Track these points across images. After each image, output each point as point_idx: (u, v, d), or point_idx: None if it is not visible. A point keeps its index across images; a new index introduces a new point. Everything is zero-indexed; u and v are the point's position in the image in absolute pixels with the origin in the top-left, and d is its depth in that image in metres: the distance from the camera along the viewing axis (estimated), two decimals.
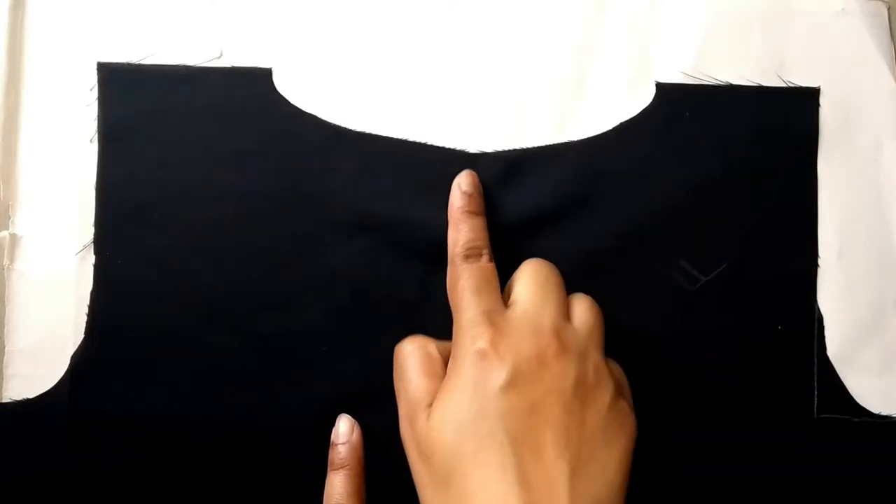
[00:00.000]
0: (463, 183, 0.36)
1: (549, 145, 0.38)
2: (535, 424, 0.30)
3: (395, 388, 0.34)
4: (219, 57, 0.38)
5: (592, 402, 0.31)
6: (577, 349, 0.32)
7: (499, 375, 0.30)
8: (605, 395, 0.31)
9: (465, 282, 0.33)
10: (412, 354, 0.33)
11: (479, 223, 0.35)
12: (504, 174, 0.38)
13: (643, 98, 0.38)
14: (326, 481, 0.35)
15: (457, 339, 0.32)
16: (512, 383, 0.30)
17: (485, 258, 0.34)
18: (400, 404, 0.33)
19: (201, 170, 0.38)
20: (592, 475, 0.30)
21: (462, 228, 0.35)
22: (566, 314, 0.33)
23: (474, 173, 0.36)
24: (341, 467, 0.35)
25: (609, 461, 0.30)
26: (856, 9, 0.38)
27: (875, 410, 0.37)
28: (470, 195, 0.35)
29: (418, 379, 0.33)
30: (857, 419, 0.37)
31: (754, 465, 0.37)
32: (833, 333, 0.37)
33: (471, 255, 0.34)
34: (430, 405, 0.32)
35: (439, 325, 0.37)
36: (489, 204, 0.37)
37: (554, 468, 0.29)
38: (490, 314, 0.32)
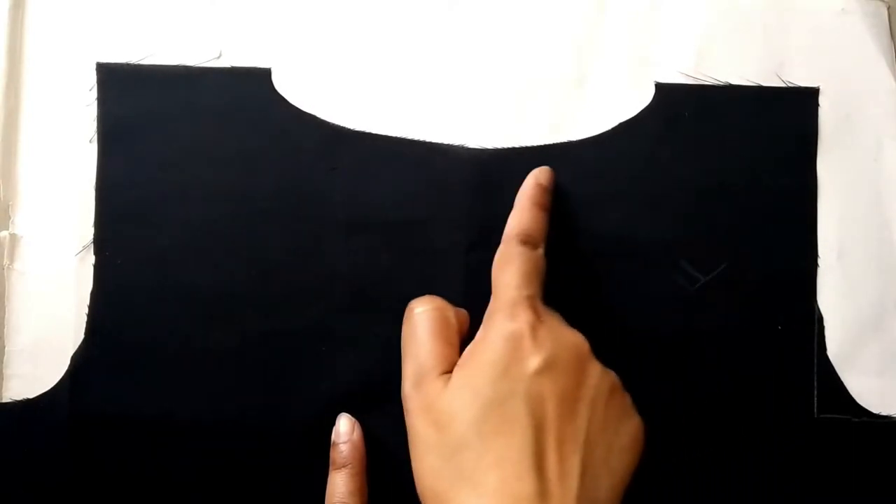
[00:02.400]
0: (541, 176, 0.36)
1: (549, 145, 0.38)
2: (559, 416, 0.30)
3: (403, 346, 0.33)
4: (218, 57, 0.38)
5: (615, 410, 0.31)
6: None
7: (534, 360, 0.30)
8: (628, 407, 0.32)
9: (517, 263, 0.33)
10: (428, 315, 0.33)
11: (543, 217, 0.35)
12: (504, 174, 0.38)
13: (643, 98, 0.38)
14: (328, 480, 0.35)
15: (492, 315, 0.32)
16: (546, 370, 0.30)
17: (541, 251, 0.34)
18: (406, 364, 0.33)
19: (201, 170, 0.38)
20: (601, 478, 0.30)
21: (526, 216, 0.34)
22: None
23: (552, 172, 0.36)
24: (343, 466, 0.35)
25: (618, 469, 0.31)
26: (856, 9, 0.38)
27: (875, 410, 0.37)
28: (544, 189, 0.35)
29: (432, 342, 0.32)
30: (857, 419, 0.37)
31: (754, 465, 0.37)
32: (833, 333, 0.37)
33: (528, 241, 0.34)
34: (445, 372, 0.32)
35: None
36: (489, 203, 0.37)
37: (569, 462, 0.30)
38: (533, 300, 0.32)
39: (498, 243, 0.37)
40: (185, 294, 0.37)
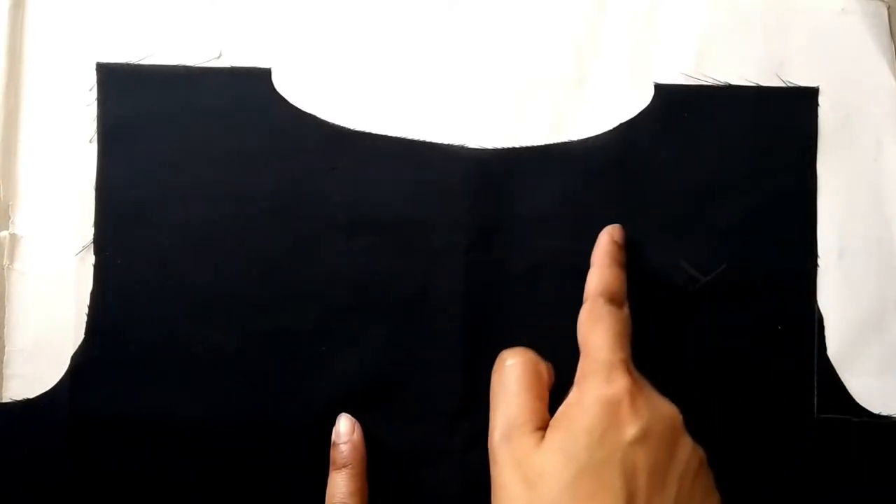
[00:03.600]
0: (615, 234, 0.36)
1: (549, 145, 0.38)
2: (650, 488, 0.30)
3: (493, 397, 0.33)
4: (218, 57, 0.38)
5: (700, 487, 0.31)
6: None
7: (631, 430, 0.30)
8: (711, 485, 0.32)
9: (610, 324, 0.32)
10: (520, 368, 0.33)
11: (623, 276, 0.35)
12: (504, 174, 0.38)
13: (643, 98, 0.38)
14: (329, 480, 0.35)
15: (587, 376, 0.32)
16: (642, 440, 0.30)
17: (626, 309, 0.34)
18: (496, 416, 0.33)
19: (201, 170, 0.38)
20: None
21: (608, 273, 0.34)
22: None
23: (624, 229, 0.36)
24: (343, 466, 0.35)
25: None
26: (856, 9, 0.38)
27: (875, 410, 0.37)
28: (619, 247, 0.35)
29: (524, 396, 0.32)
30: (857, 419, 0.37)
31: (755, 465, 0.37)
32: (833, 333, 0.37)
33: (614, 300, 0.33)
34: (538, 428, 0.31)
35: (439, 324, 0.37)
36: (489, 203, 0.37)
37: None
38: (627, 364, 0.32)
39: (498, 243, 0.37)
40: (185, 294, 0.37)
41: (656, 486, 0.30)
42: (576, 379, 0.32)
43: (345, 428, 0.36)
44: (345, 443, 0.36)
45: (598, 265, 0.35)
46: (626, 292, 0.34)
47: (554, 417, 0.32)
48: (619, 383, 0.31)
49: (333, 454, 0.36)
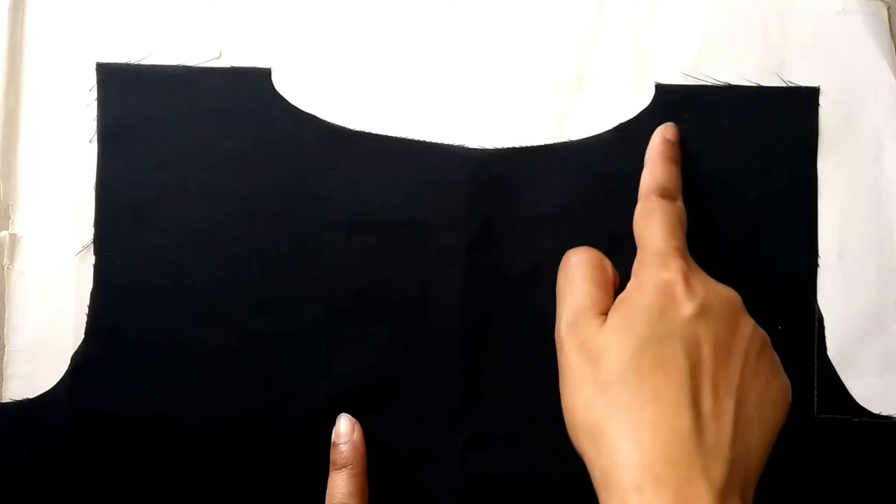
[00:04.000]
0: (667, 132, 0.36)
1: (549, 145, 0.38)
2: (713, 361, 0.31)
3: (559, 292, 0.34)
4: (218, 57, 0.38)
5: (766, 364, 0.32)
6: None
7: (689, 306, 0.31)
8: (777, 364, 0.33)
9: (662, 216, 0.33)
10: (586, 262, 0.34)
11: (676, 171, 0.36)
12: (504, 174, 0.38)
13: (643, 98, 0.38)
14: (329, 480, 0.35)
15: (643, 265, 0.33)
16: (701, 316, 0.31)
17: (680, 202, 0.35)
18: (563, 306, 0.34)
19: (201, 170, 0.38)
20: (753, 425, 0.31)
21: (660, 170, 0.35)
22: None
23: (678, 128, 0.37)
24: (343, 466, 0.35)
25: (769, 420, 0.31)
26: (856, 8, 0.38)
27: (875, 410, 0.37)
28: (673, 143, 0.36)
29: (588, 285, 0.33)
30: (857, 419, 0.37)
31: None
32: (833, 333, 0.37)
33: (666, 195, 0.34)
34: (602, 313, 0.32)
35: (440, 324, 0.37)
36: (489, 203, 0.37)
37: (724, 404, 0.30)
38: (682, 251, 0.33)
39: (498, 243, 0.37)
40: (185, 294, 0.37)
41: (721, 358, 0.31)
42: (633, 270, 0.33)
43: (345, 428, 0.36)
44: (345, 443, 0.36)
45: (650, 163, 0.36)
46: (679, 186, 0.35)
47: (614, 304, 0.33)
48: (674, 267, 0.32)
49: (333, 454, 0.36)
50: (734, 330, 0.32)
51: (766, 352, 0.32)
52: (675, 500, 0.28)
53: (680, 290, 0.31)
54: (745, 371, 0.31)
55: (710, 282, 0.32)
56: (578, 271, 0.34)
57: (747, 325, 0.32)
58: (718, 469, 0.29)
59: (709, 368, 0.30)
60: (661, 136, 0.36)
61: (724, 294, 0.32)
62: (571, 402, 0.32)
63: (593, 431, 0.30)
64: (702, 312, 0.31)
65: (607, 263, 0.34)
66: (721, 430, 0.30)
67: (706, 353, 0.31)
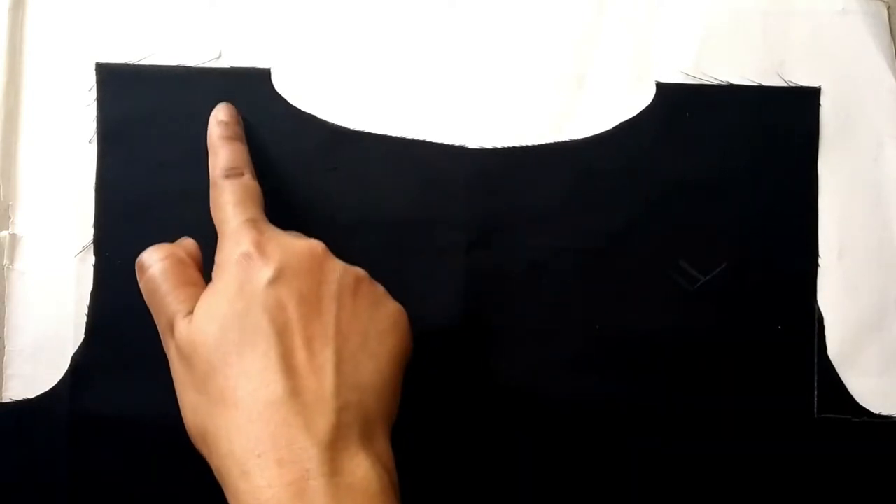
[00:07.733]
0: (220, 113, 0.36)
1: (549, 144, 0.38)
2: (303, 316, 0.30)
3: (150, 307, 0.33)
4: (218, 57, 0.38)
5: (366, 299, 0.32)
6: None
7: (265, 272, 0.30)
8: (381, 295, 0.32)
9: (228, 196, 0.33)
10: (161, 265, 0.33)
11: (238, 148, 0.35)
12: (504, 173, 0.38)
13: (643, 98, 0.38)
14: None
15: (221, 249, 0.32)
16: (279, 278, 0.31)
17: (247, 176, 0.34)
18: (158, 321, 0.32)
19: (201, 170, 0.37)
20: (361, 363, 0.30)
21: (221, 153, 0.35)
22: None
23: (231, 105, 0.37)
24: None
25: (381, 352, 0.31)
26: (856, 8, 0.38)
27: (875, 410, 0.37)
28: (227, 123, 0.36)
29: (174, 289, 0.32)
30: (857, 419, 0.37)
31: (754, 465, 0.37)
32: (833, 333, 0.37)
33: (231, 174, 0.34)
34: (191, 312, 0.31)
35: (440, 323, 0.37)
36: (489, 203, 0.37)
37: (321, 356, 0.30)
38: (254, 222, 0.32)
39: (498, 243, 0.37)
40: None
41: (310, 313, 0.30)
42: (215, 259, 0.33)
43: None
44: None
45: (210, 150, 0.35)
46: (246, 161, 0.35)
47: (200, 296, 0.32)
48: (246, 239, 0.31)
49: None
50: (320, 279, 0.31)
51: (362, 288, 0.32)
52: (278, 469, 0.28)
53: (255, 259, 0.31)
54: (340, 315, 0.31)
55: (288, 240, 0.32)
56: (159, 279, 0.32)
57: (335, 269, 0.32)
58: (323, 421, 0.29)
59: (298, 326, 0.30)
60: (215, 120, 0.36)
61: (303, 247, 0.32)
62: (183, 412, 0.31)
63: (202, 434, 0.30)
64: (279, 274, 0.30)
65: (181, 251, 0.33)
66: (322, 382, 0.29)
67: (292, 312, 0.30)
